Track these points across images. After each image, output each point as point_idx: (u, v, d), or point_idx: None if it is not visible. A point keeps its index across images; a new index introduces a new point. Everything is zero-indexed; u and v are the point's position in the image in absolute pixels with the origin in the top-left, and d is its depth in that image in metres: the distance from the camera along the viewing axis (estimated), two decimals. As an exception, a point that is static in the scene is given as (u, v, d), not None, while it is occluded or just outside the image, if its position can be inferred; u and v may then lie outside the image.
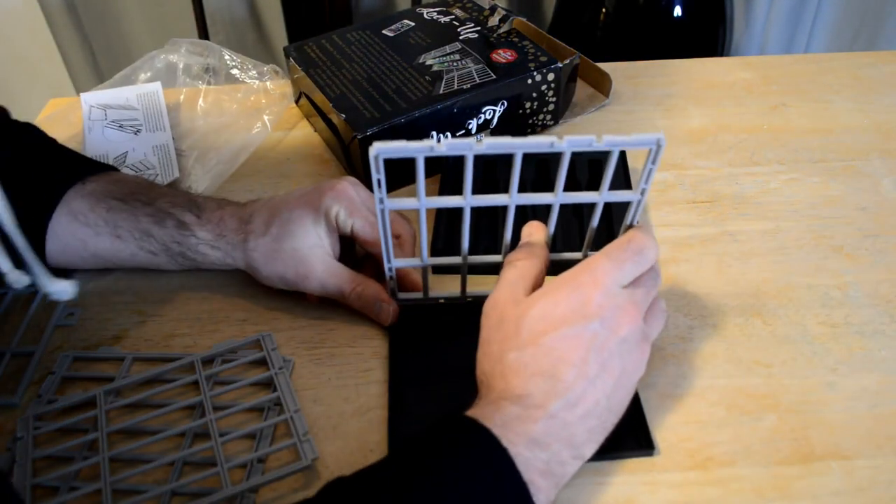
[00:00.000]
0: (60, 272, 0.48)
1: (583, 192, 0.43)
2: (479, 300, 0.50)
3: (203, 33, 1.40)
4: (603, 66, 0.74)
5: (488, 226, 0.58)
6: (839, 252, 0.56)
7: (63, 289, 0.45)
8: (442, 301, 0.52)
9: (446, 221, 0.59)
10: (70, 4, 1.56)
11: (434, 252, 0.56)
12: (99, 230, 0.52)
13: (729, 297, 0.53)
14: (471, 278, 0.51)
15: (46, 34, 1.58)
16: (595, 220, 0.45)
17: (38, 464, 0.44)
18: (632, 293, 0.41)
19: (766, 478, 0.42)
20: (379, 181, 0.41)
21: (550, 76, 0.66)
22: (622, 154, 0.62)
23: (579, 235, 0.56)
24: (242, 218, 0.52)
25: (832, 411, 0.46)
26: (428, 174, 0.45)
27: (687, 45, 1.39)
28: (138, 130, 0.72)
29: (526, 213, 0.59)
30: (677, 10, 1.36)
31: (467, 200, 0.43)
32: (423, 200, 0.43)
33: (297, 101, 0.75)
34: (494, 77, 0.65)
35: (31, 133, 0.58)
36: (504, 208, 0.44)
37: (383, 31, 0.74)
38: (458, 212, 0.44)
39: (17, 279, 0.45)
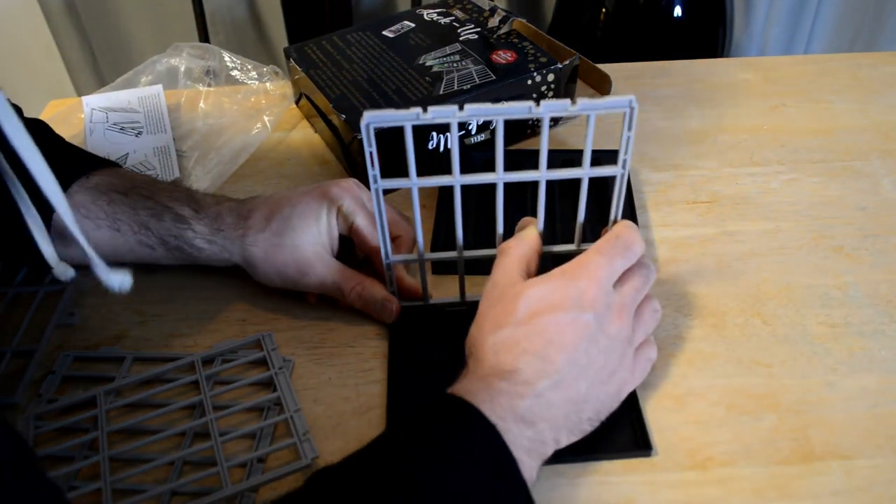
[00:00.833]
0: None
1: (568, 169, 0.44)
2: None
3: (203, 34, 1.40)
4: (603, 66, 0.74)
5: (489, 229, 0.58)
6: (839, 252, 0.56)
7: (122, 280, 0.44)
8: (441, 305, 0.52)
9: (445, 224, 0.59)
10: (70, 4, 1.56)
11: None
12: (99, 223, 0.52)
13: (729, 297, 0.53)
14: (473, 282, 0.51)
15: (46, 34, 1.58)
16: (582, 203, 0.45)
17: (39, 463, 0.44)
18: (621, 294, 0.42)
19: (766, 478, 0.42)
20: (371, 155, 0.41)
21: (550, 77, 0.66)
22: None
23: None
24: (241, 213, 0.52)
25: (832, 411, 0.46)
26: (429, 172, 0.45)
27: (687, 46, 1.39)
28: (139, 132, 0.72)
29: (525, 207, 0.59)
30: (677, 11, 1.36)
31: (456, 179, 0.43)
32: (413, 178, 0.43)
33: (297, 102, 0.75)
34: (494, 78, 0.65)
35: (41, 129, 0.58)
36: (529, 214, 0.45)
37: (383, 32, 0.74)
38: (451, 214, 0.44)
39: (64, 271, 0.46)
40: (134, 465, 0.44)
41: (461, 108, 0.39)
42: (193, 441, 0.46)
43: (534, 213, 0.46)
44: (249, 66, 0.77)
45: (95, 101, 0.75)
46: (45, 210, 0.44)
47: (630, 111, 0.41)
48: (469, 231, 0.57)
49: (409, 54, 0.69)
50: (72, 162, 0.55)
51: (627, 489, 0.42)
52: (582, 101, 0.39)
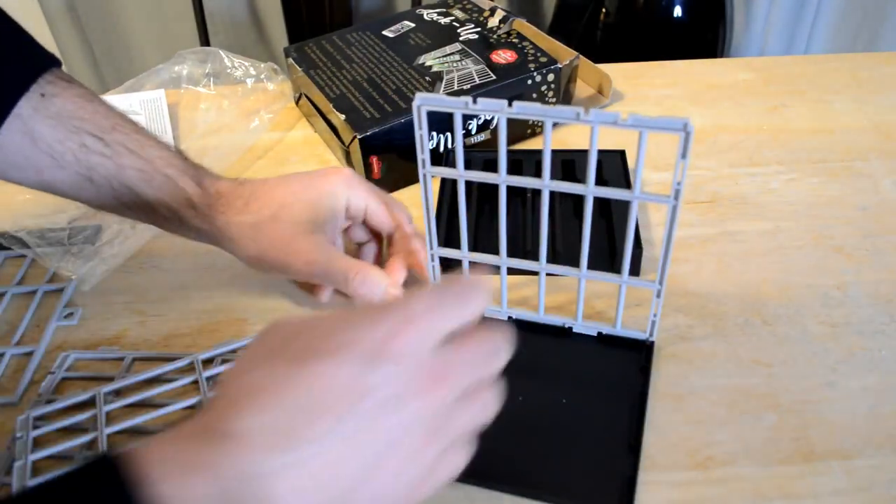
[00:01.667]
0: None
1: (617, 189, 0.42)
2: (522, 323, 0.51)
3: (203, 34, 1.40)
4: (603, 66, 0.74)
5: (489, 227, 0.58)
6: (839, 252, 0.56)
7: None
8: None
9: (447, 221, 0.59)
10: (70, 5, 1.56)
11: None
12: (65, 165, 0.45)
13: (729, 297, 0.53)
14: (515, 294, 0.50)
15: (46, 35, 1.58)
16: (631, 230, 0.43)
17: (38, 464, 0.44)
18: (445, 361, 0.30)
19: (766, 477, 0.42)
20: (422, 137, 0.40)
21: (550, 77, 0.66)
22: (622, 154, 0.62)
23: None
24: (241, 194, 0.49)
25: (832, 411, 0.46)
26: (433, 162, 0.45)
27: (687, 46, 1.39)
28: (138, 131, 0.72)
29: (525, 207, 0.59)
30: (677, 11, 1.36)
31: (502, 178, 0.42)
32: (461, 170, 0.42)
33: (297, 102, 0.75)
34: (494, 78, 0.65)
35: None
36: (528, 217, 0.44)
37: (383, 32, 0.74)
38: (455, 210, 0.44)
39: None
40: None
41: (510, 104, 0.39)
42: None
43: (534, 215, 0.46)
44: (247, 65, 0.77)
45: (95, 102, 0.75)
46: None
47: (685, 135, 0.37)
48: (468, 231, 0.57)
49: (409, 54, 0.69)
50: (11, 62, 0.46)
51: (627, 489, 0.42)
52: (633, 116, 0.37)
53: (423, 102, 0.39)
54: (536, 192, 0.45)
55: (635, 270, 0.55)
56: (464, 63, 0.67)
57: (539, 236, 0.45)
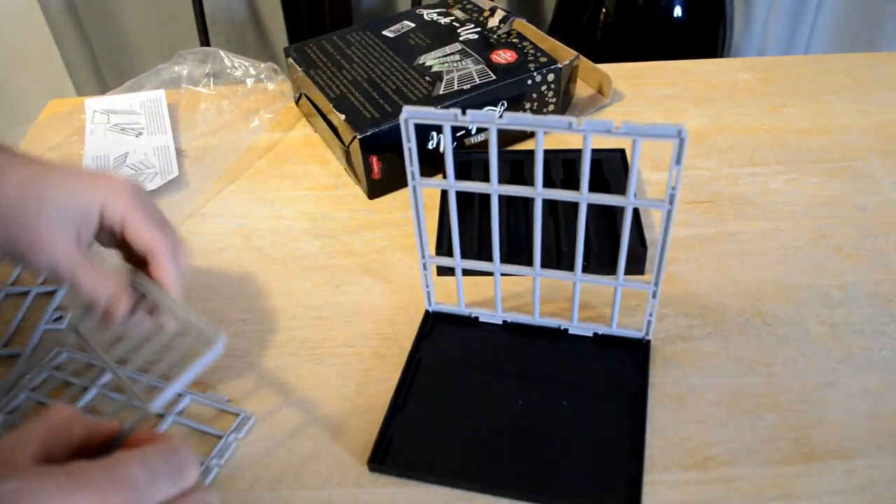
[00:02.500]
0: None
1: (611, 196, 0.42)
2: (517, 326, 0.51)
3: (203, 34, 1.40)
4: (603, 66, 0.74)
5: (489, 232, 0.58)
6: (839, 252, 0.56)
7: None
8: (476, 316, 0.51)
9: (450, 228, 0.59)
10: (70, 5, 1.56)
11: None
12: None
13: (729, 297, 0.53)
14: (512, 300, 0.50)
15: (46, 34, 1.58)
16: (626, 233, 0.43)
17: None
18: None
19: (766, 477, 0.42)
20: (410, 150, 0.40)
21: (550, 77, 0.66)
22: (622, 153, 0.62)
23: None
24: (4, 162, 0.42)
25: (832, 411, 0.46)
26: (428, 172, 0.45)
27: (687, 46, 1.39)
28: (140, 133, 0.72)
29: (527, 212, 0.59)
30: (677, 11, 1.36)
31: (494, 187, 0.42)
32: (451, 181, 0.42)
33: (297, 102, 0.75)
34: (494, 78, 0.65)
35: None
36: (531, 213, 0.44)
37: (383, 32, 0.74)
38: (461, 215, 0.44)
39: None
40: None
41: (501, 115, 0.38)
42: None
43: (565, 219, 0.45)
44: (247, 65, 0.77)
45: (98, 104, 0.75)
46: None
47: (679, 142, 0.37)
48: (467, 236, 0.57)
49: (409, 54, 0.69)
50: None
51: (627, 489, 0.42)
52: (627, 125, 0.37)
53: (411, 115, 0.39)
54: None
55: (639, 269, 0.55)
56: (464, 63, 0.67)
57: (533, 240, 0.45)
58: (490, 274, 0.48)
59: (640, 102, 0.74)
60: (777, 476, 0.42)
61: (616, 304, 0.47)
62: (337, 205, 0.64)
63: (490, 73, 0.66)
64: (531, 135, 0.70)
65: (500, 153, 0.63)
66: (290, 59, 0.72)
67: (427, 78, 0.66)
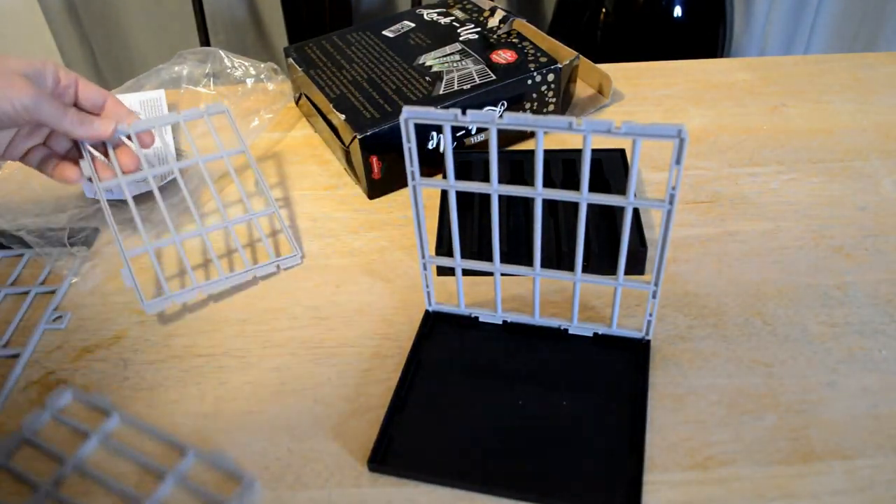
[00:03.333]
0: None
1: (610, 196, 0.41)
2: (517, 326, 0.50)
3: (203, 34, 1.40)
4: (603, 66, 0.74)
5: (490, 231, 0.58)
6: (839, 252, 0.56)
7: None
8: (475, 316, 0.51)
9: (450, 227, 0.59)
10: (70, 5, 1.56)
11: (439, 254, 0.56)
12: None
13: (729, 297, 0.53)
14: (512, 300, 0.49)
15: (46, 34, 1.58)
16: (626, 234, 0.43)
17: None
18: None
19: (766, 477, 0.42)
20: (410, 151, 0.40)
21: (550, 77, 0.66)
22: (622, 153, 0.62)
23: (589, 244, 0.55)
24: None
25: (832, 411, 0.46)
26: (428, 172, 0.45)
27: (687, 46, 1.39)
28: (138, 131, 0.72)
29: (528, 211, 0.59)
30: (677, 11, 1.36)
31: (494, 187, 0.42)
32: (452, 180, 0.42)
33: (297, 102, 0.75)
34: (494, 78, 0.65)
35: None
36: (531, 214, 0.43)
37: (383, 32, 0.74)
38: (461, 215, 0.44)
39: None
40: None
41: (501, 115, 0.38)
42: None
43: (565, 219, 0.45)
44: (247, 65, 0.77)
45: (95, 101, 0.75)
46: None
47: (679, 142, 0.37)
48: (467, 236, 0.57)
49: (409, 54, 0.69)
50: None
51: (627, 489, 0.42)
52: (627, 125, 0.37)
53: (411, 115, 0.39)
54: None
55: (639, 269, 0.55)
56: (464, 63, 0.67)
57: (533, 240, 0.45)
58: (490, 274, 0.48)
59: (640, 102, 0.74)
60: (777, 476, 0.42)
61: (616, 304, 0.47)
62: (337, 205, 0.64)
63: (490, 73, 0.66)
64: (531, 135, 0.70)
65: (500, 153, 0.63)
66: (290, 59, 0.72)
67: (427, 78, 0.66)
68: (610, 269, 0.47)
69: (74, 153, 0.56)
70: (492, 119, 0.38)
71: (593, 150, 0.40)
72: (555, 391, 0.46)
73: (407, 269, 0.57)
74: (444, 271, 0.56)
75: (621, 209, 0.42)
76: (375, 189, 0.64)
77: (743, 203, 0.61)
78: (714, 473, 0.43)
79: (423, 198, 0.45)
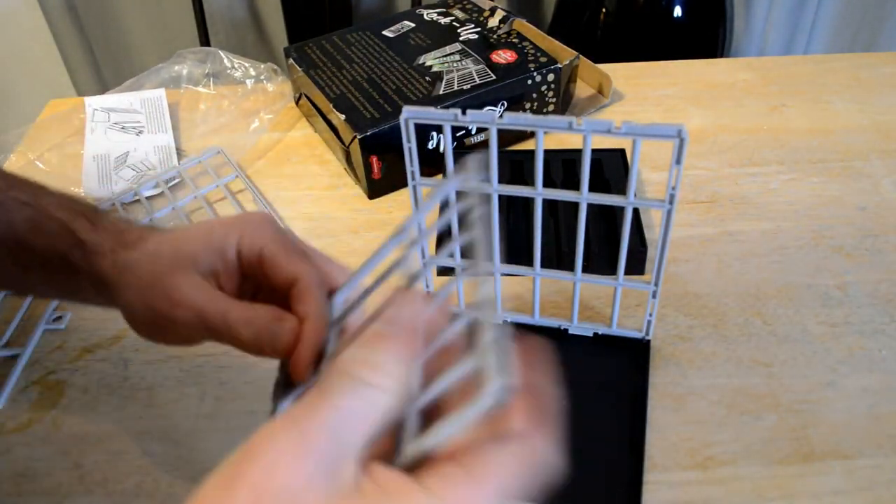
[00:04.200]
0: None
1: (610, 196, 0.41)
2: (517, 327, 0.50)
3: (203, 34, 1.40)
4: (603, 66, 0.74)
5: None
6: (839, 252, 0.56)
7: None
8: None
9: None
10: (70, 5, 1.56)
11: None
12: None
13: (729, 297, 0.53)
14: (512, 300, 0.49)
15: (46, 34, 1.58)
16: (626, 234, 0.43)
17: None
18: None
19: (766, 477, 0.42)
20: (410, 150, 0.40)
21: (550, 77, 0.66)
22: (622, 153, 0.62)
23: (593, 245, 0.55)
24: (142, 234, 0.39)
25: (832, 411, 0.46)
26: (428, 172, 0.45)
27: (687, 46, 1.39)
28: (140, 132, 0.72)
29: (556, 219, 0.58)
30: (677, 11, 1.36)
31: (494, 187, 0.42)
32: (451, 180, 0.42)
33: (297, 102, 0.75)
34: (494, 78, 0.65)
35: None
36: (531, 214, 0.43)
37: (383, 32, 0.74)
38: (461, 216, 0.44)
39: None
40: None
41: (501, 115, 0.38)
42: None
43: (566, 220, 0.45)
44: (247, 65, 0.77)
45: (98, 102, 0.75)
46: None
47: (679, 142, 0.37)
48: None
49: (409, 54, 0.69)
50: None
51: (627, 489, 0.42)
52: (627, 125, 0.37)
53: (411, 115, 0.39)
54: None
55: (639, 269, 0.55)
56: (464, 63, 0.67)
57: (533, 240, 0.45)
58: (490, 274, 0.48)
59: (640, 102, 0.74)
60: (777, 476, 0.42)
61: (616, 303, 0.47)
62: (337, 205, 0.64)
63: (490, 73, 0.66)
64: (531, 135, 0.70)
65: (500, 153, 0.63)
66: (290, 60, 0.72)
67: (427, 78, 0.66)
68: (610, 270, 0.47)
69: None
70: (492, 119, 0.38)
71: (593, 150, 0.40)
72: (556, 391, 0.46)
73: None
74: (443, 271, 0.56)
75: (621, 209, 0.42)
76: (375, 189, 0.64)
77: (743, 203, 0.61)
78: (714, 473, 0.43)
79: (423, 198, 0.45)
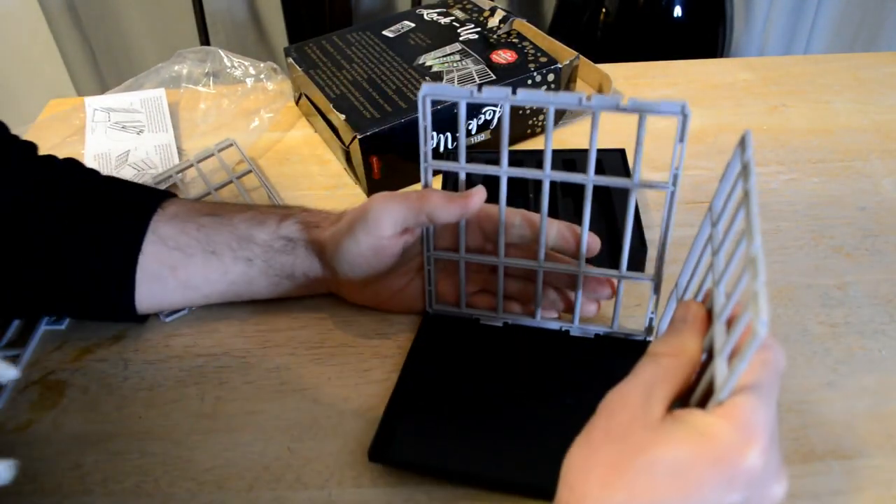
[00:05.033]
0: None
1: (613, 178, 0.42)
2: (517, 328, 0.50)
3: (203, 34, 1.41)
4: (603, 66, 0.74)
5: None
6: (839, 252, 0.56)
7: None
8: (476, 317, 0.51)
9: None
10: (70, 5, 1.56)
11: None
12: (191, 251, 0.49)
13: (729, 297, 0.53)
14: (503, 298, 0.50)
15: (46, 34, 1.58)
16: (629, 223, 0.44)
17: None
18: (776, 451, 0.33)
19: (766, 477, 0.42)
20: (425, 129, 0.40)
21: (550, 77, 0.66)
22: (622, 153, 0.62)
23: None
24: (339, 216, 0.49)
25: (832, 411, 0.46)
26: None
27: (687, 46, 1.39)
28: (140, 131, 0.72)
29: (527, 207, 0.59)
30: (677, 11, 1.36)
31: (503, 169, 0.43)
32: (463, 162, 0.42)
33: (296, 101, 0.75)
34: (494, 78, 0.65)
35: (78, 170, 0.53)
36: (536, 208, 0.44)
37: (383, 32, 0.74)
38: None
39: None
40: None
41: (514, 91, 0.39)
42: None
43: (537, 211, 0.46)
44: (247, 64, 0.77)
45: (98, 102, 0.75)
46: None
47: (683, 118, 0.38)
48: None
49: (409, 54, 0.69)
50: (135, 197, 0.52)
51: (627, 489, 0.42)
52: (633, 101, 0.37)
53: (429, 92, 0.39)
54: (538, 190, 0.45)
55: (638, 268, 0.55)
56: (464, 63, 0.67)
57: (539, 232, 0.45)
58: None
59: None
60: (777, 476, 0.42)
61: (619, 297, 0.47)
62: (337, 205, 0.64)
63: (490, 73, 0.66)
64: (531, 134, 0.70)
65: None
66: (290, 59, 0.72)
67: (427, 78, 0.66)
68: (610, 269, 0.47)
69: None
70: (505, 95, 0.39)
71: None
72: (556, 392, 0.46)
73: (407, 269, 0.57)
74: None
75: (622, 208, 0.42)
76: (375, 189, 0.64)
77: (743, 203, 0.61)
78: (714, 473, 0.43)
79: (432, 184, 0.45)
